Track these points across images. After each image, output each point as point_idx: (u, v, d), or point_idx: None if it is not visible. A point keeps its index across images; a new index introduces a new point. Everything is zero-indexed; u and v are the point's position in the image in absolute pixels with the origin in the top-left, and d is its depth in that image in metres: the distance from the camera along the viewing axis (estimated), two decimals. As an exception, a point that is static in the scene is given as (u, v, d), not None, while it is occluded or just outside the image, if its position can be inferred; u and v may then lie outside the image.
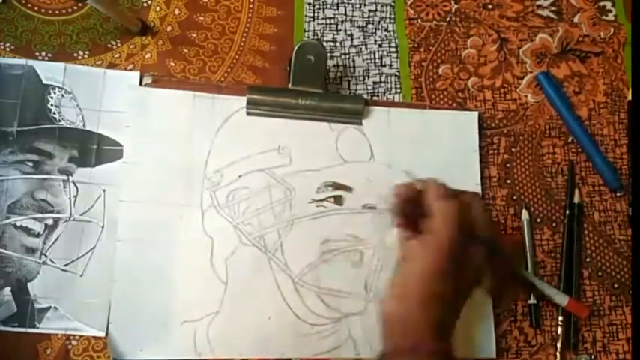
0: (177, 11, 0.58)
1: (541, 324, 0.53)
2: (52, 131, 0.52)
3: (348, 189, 0.53)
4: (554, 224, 0.56)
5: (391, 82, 0.58)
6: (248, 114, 0.54)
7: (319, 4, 0.60)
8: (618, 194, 0.57)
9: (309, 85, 0.54)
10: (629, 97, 0.59)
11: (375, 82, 0.58)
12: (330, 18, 0.59)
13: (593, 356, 0.53)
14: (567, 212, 0.56)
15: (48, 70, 0.53)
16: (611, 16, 0.62)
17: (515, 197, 0.56)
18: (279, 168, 0.53)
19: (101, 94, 0.53)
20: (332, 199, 0.53)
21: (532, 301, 0.53)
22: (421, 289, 0.38)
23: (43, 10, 0.56)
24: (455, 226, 0.40)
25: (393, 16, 0.60)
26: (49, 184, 0.51)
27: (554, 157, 0.58)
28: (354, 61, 0.58)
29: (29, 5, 0.56)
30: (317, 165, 0.53)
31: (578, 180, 0.57)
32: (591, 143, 0.57)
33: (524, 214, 0.55)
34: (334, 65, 0.58)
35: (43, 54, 0.54)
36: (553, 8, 0.62)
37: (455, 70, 0.59)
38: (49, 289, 0.49)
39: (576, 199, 0.56)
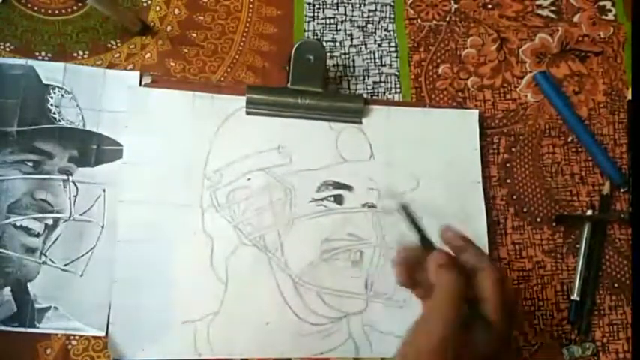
0: (177, 11, 0.58)
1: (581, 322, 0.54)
2: (52, 131, 0.52)
3: (348, 188, 0.53)
4: (554, 224, 0.56)
5: (391, 82, 0.58)
6: (248, 113, 0.54)
7: (319, 4, 0.60)
8: (622, 190, 0.57)
9: (309, 84, 0.54)
10: (629, 97, 0.59)
11: (374, 82, 0.58)
12: (329, 18, 0.59)
13: (596, 349, 0.53)
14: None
15: (48, 70, 0.53)
16: (610, 16, 0.62)
17: (515, 197, 0.56)
18: (279, 167, 0.53)
19: (101, 94, 0.53)
20: (332, 198, 0.53)
21: (575, 297, 0.54)
22: None
23: (43, 10, 0.56)
24: (453, 302, 0.36)
25: (392, 15, 0.60)
26: (49, 184, 0.51)
27: (554, 156, 0.58)
28: (353, 60, 0.59)
29: (29, 5, 0.56)
30: (317, 164, 0.53)
31: (578, 180, 0.57)
32: (592, 140, 0.57)
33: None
34: (334, 65, 0.58)
35: (43, 54, 0.54)
36: (553, 8, 0.62)
37: (455, 69, 0.59)
38: (49, 289, 0.49)
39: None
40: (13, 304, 0.48)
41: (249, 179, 0.52)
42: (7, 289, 0.48)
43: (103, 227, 0.51)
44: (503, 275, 0.39)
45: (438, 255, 0.39)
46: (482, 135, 0.57)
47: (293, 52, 0.53)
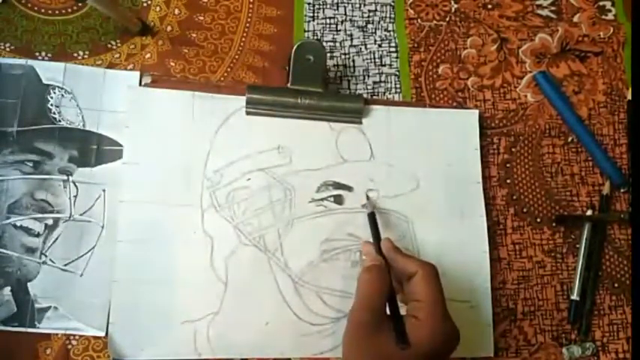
0: (177, 11, 0.58)
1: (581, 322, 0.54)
2: (52, 131, 0.52)
3: (348, 188, 0.53)
4: (554, 224, 0.56)
5: (391, 82, 0.58)
6: (247, 113, 0.54)
7: (319, 4, 0.60)
8: (622, 190, 0.57)
9: (309, 84, 0.54)
10: (629, 97, 0.59)
11: (374, 82, 0.58)
12: (329, 18, 0.59)
13: (596, 349, 0.53)
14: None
15: (48, 70, 0.53)
16: (610, 16, 0.62)
17: (515, 197, 0.56)
18: (279, 167, 0.53)
19: (101, 94, 0.53)
20: (332, 199, 0.53)
21: (575, 297, 0.54)
22: None
23: (43, 10, 0.56)
24: (363, 300, 0.41)
25: (392, 15, 0.60)
26: (49, 184, 0.51)
27: (554, 156, 0.58)
28: (353, 60, 0.59)
29: (29, 5, 0.56)
30: (317, 164, 0.53)
31: (578, 180, 0.57)
32: (592, 140, 0.57)
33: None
34: (334, 65, 0.58)
35: (43, 54, 0.54)
36: (553, 8, 0.62)
37: (455, 69, 0.59)
38: (49, 289, 0.49)
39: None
40: (13, 304, 0.48)
41: (249, 179, 0.52)
42: (7, 289, 0.48)
43: (103, 227, 0.51)
44: (431, 276, 0.41)
45: (367, 260, 0.45)
46: (482, 135, 0.57)
47: (293, 52, 0.53)
